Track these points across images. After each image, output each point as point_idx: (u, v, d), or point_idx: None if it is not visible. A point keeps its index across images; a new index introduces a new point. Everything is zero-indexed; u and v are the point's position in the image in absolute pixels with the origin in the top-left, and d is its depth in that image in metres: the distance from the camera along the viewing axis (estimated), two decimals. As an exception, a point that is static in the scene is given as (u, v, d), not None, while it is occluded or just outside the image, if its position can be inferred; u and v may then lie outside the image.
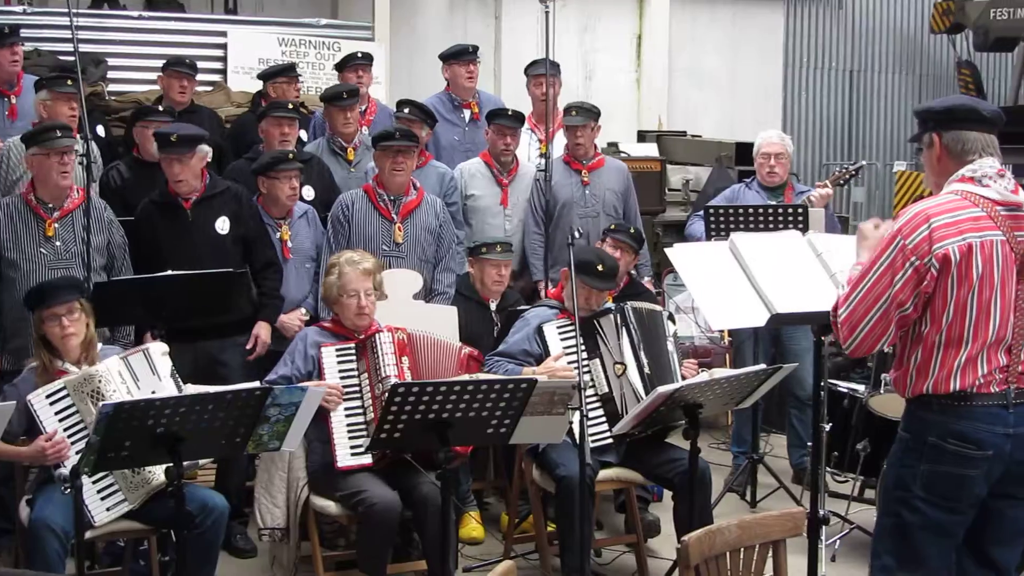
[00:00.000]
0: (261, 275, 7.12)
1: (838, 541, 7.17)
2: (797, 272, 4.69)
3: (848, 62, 16.07)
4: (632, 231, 7.67)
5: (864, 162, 9.72)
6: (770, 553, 4.07)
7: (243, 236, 7.06)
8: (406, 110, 8.22)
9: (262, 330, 7.09)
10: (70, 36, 7.06)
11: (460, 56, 9.14)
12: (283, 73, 9.18)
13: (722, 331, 9.76)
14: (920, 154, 4.55)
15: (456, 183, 8.30)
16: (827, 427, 7.06)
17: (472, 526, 7.29)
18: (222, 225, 6.99)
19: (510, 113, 8.39)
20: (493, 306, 7.50)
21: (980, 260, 4.20)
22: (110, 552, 6.46)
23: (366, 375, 6.16)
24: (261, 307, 7.11)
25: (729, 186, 10.07)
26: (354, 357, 6.21)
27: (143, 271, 6.82)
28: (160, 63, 9.19)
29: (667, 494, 7.31)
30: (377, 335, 6.21)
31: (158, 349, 5.88)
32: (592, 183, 8.36)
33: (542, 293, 7.94)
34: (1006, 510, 4.43)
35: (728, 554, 3.92)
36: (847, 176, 8.57)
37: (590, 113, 8.42)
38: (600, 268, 6.53)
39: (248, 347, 7.03)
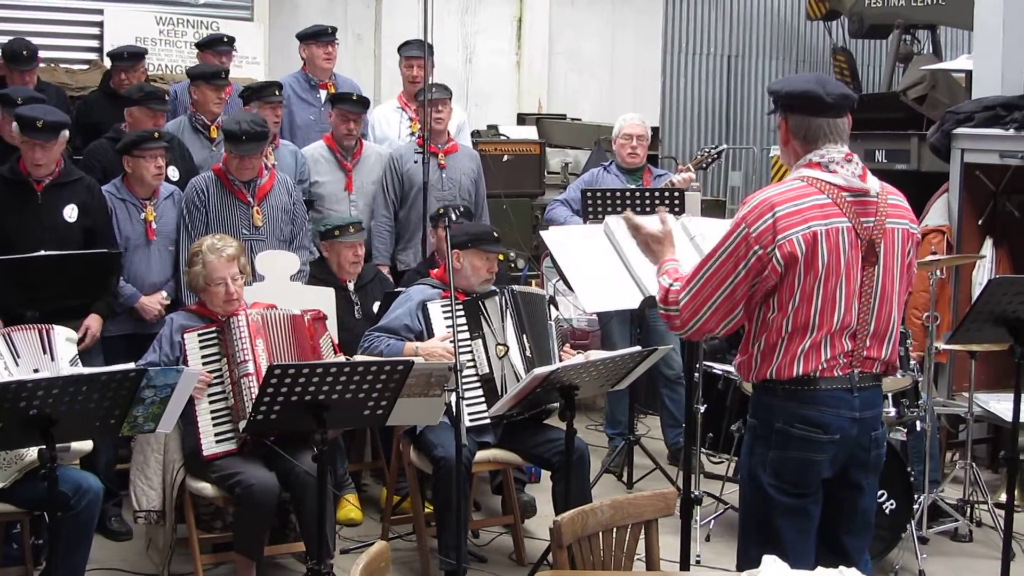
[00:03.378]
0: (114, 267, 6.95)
1: (712, 521, 7.29)
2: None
3: (726, 47, 16.24)
4: (462, 209, 7.65)
5: (725, 146, 9.80)
6: (642, 533, 4.13)
7: (89, 227, 6.92)
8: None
9: (93, 322, 6.89)
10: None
11: (319, 37, 9.12)
12: (132, 59, 8.95)
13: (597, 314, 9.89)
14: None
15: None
16: (702, 408, 7.21)
17: (349, 508, 7.29)
18: (70, 213, 6.84)
19: (355, 98, 8.37)
20: (351, 287, 7.49)
21: (825, 248, 4.21)
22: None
23: (225, 360, 6.12)
24: (93, 300, 6.92)
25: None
26: (216, 341, 6.15)
27: None
28: (33, 40, 8.95)
29: (544, 476, 7.42)
30: (231, 319, 6.15)
31: (63, 333, 5.84)
32: (448, 167, 8.38)
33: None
34: (856, 501, 4.48)
35: (600, 534, 3.97)
36: (709, 160, 8.68)
37: (446, 90, 8.45)
38: (496, 234, 6.68)
39: (78, 335, 6.73)
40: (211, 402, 6.06)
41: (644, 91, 15.22)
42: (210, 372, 6.08)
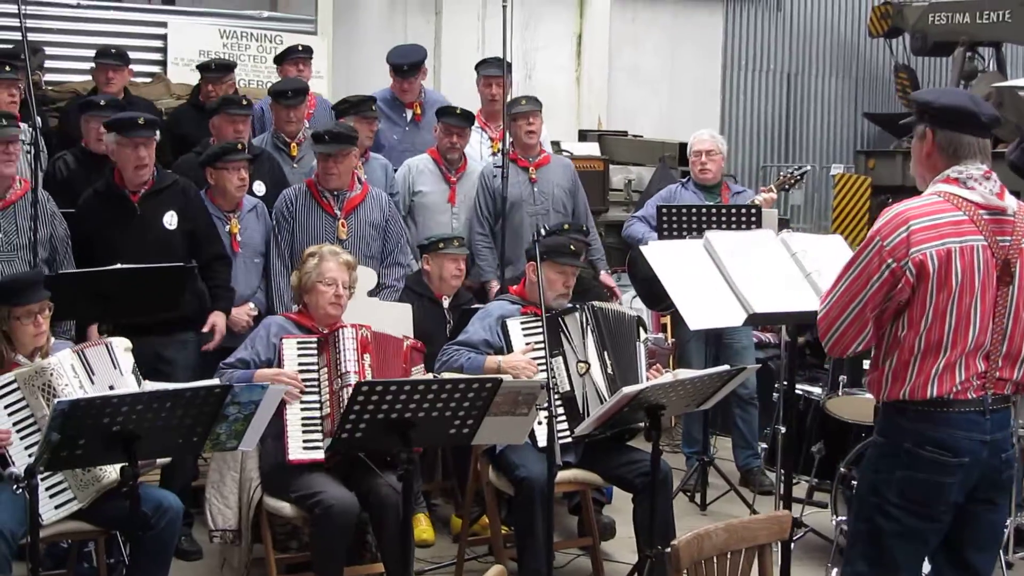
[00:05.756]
0: (212, 268, 6.93)
1: (792, 544, 7.12)
2: (773, 271, 4.63)
3: (786, 64, 16.12)
4: (567, 226, 7.50)
5: (809, 167, 9.69)
6: (756, 557, 4.00)
7: (191, 231, 6.88)
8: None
9: (219, 319, 6.92)
10: (8, 24, 6.88)
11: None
12: (220, 70, 8.97)
13: (665, 332, 9.75)
14: (909, 140, 4.49)
15: (404, 176, 8.23)
16: (783, 429, 7.07)
17: (423, 528, 7.17)
18: (170, 220, 6.80)
19: (459, 112, 8.27)
20: (446, 303, 7.41)
21: (960, 266, 4.13)
22: (52, 554, 6.25)
23: (325, 370, 6.02)
24: (214, 299, 6.93)
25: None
26: (315, 351, 6.07)
27: (86, 265, 6.59)
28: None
29: (616, 497, 7.28)
30: (340, 330, 6.07)
31: (121, 344, 5.70)
32: (540, 180, 8.27)
33: (491, 293, 7.86)
34: (983, 515, 4.37)
35: (715, 558, 3.84)
36: (792, 180, 8.56)
37: (537, 102, 8.35)
38: (572, 247, 6.52)
39: (205, 331, 6.85)
40: (303, 409, 5.95)
41: (703, 108, 15.16)
42: (304, 380, 5.99)
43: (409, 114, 9.02)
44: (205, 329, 6.83)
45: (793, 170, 8.69)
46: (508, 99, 8.46)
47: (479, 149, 8.86)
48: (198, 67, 9.26)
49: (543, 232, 6.22)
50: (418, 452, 6.32)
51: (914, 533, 4.28)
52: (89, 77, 9.39)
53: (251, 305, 7.25)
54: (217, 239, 7.03)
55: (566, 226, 7.53)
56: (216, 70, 8.90)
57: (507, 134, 7.92)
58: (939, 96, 4.36)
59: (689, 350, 8.27)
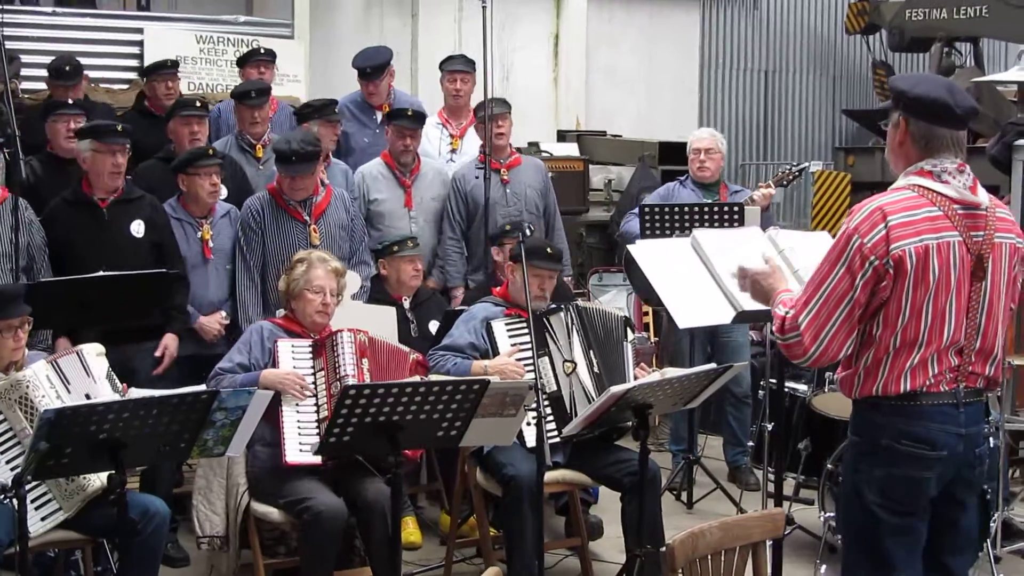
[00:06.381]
0: (170, 288, 6.79)
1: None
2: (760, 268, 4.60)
3: (763, 62, 16.13)
4: (531, 227, 7.45)
5: (807, 164, 9.70)
6: (750, 555, 3.99)
7: (158, 243, 6.85)
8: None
9: (171, 342, 6.84)
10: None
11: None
12: (156, 71, 8.85)
13: (648, 331, 9.75)
14: (886, 125, 4.40)
15: (359, 184, 8.15)
16: (769, 426, 7.07)
17: (410, 530, 7.13)
18: (137, 228, 6.77)
19: (410, 113, 8.19)
20: (407, 304, 7.37)
21: (937, 263, 4.06)
22: (39, 563, 6.15)
23: (323, 373, 6.00)
24: (169, 320, 6.85)
25: (654, 185, 10.06)
26: (310, 355, 6.06)
27: (56, 272, 6.58)
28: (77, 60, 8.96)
29: (603, 496, 7.26)
30: (338, 334, 6.05)
31: (92, 350, 5.64)
32: (512, 181, 8.21)
33: (455, 301, 7.87)
34: (959, 519, 4.32)
35: (710, 556, 3.83)
36: (791, 177, 8.57)
37: (505, 104, 8.31)
38: (548, 251, 6.49)
39: (158, 354, 6.77)
40: (300, 411, 5.93)
41: (682, 107, 15.17)
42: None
43: (379, 116, 8.93)
44: (158, 353, 6.73)
45: (792, 166, 8.70)
46: (472, 97, 8.44)
47: (438, 145, 8.83)
48: (144, 70, 9.17)
49: (529, 232, 6.19)
50: (415, 457, 6.37)
51: (903, 529, 4.21)
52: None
53: (223, 313, 7.19)
54: (179, 259, 6.96)
55: (508, 227, 7.47)
56: (156, 69, 8.84)
57: (463, 131, 7.86)
58: (915, 84, 4.22)
59: (682, 347, 8.25)
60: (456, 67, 8.88)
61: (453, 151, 8.73)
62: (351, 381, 5.82)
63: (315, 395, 6.00)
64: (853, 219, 4.12)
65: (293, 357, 6.05)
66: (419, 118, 8.22)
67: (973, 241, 4.13)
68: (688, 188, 8.46)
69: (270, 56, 9.18)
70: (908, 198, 4.12)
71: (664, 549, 3.67)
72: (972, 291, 4.15)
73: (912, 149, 4.20)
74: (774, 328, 4.27)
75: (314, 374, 6.03)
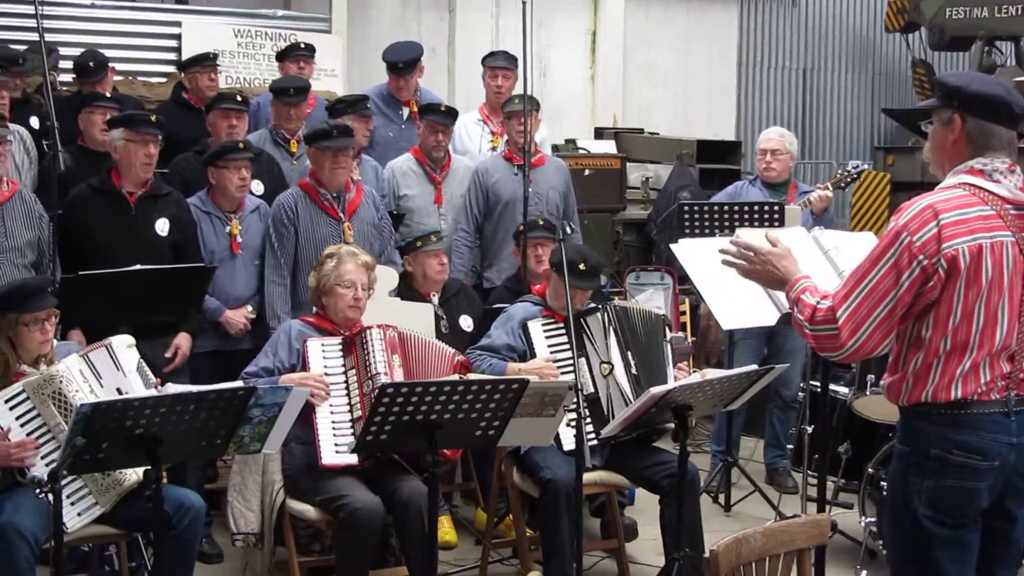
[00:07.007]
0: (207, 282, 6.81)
1: (822, 547, 7.05)
2: (805, 269, 4.49)
3: (802, 60, 15.97)
4: (541, 222, 7.44)
5: (865, 165, 9.57)
6: (795, 562, 3.92)
7: (179, 242, 6.81)
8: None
9: (184, 341, 6.77)
10: (19, 24, 6.81)
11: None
12: (198, 63, 8.91)
13: (685, 331, 9.67)
14: (928, 124, 4.23)
15: (388, 180, 8.14)
16: (809, 429, 7.00)
17: (445, 530, 7.09)
18: (162, 226, 6.74)
19: (443, 109, 8.17)
20: (435, 300, 7.32)
21: (990, 263, 3.96)
22: (73, 557, 6.17)
23: (354, 371, 5.93)
24: (183, 318, 6.78)
25: (691, 183, 10.01)
26: (340, 353, 5.99)
27: (70, 261, 6.53)
28: (111, 53, 8.99)
29: (641, 498, 7.20)
30: (367, 331, 5.98)
31: (122, 342, 5.59)
32: (535, 181, 8.05)
33: None
34: (1010, 532, 4.22)
35: (754, 564, 3.76)
36: (848, 179, 8.50)
37: (533, 101, 8.15)
38: (582, 267, 6.31)
39: (168, 355, 6.69)
40: (333, 412, 5.86)
41: (719, 105, 15.06)
42: (331, 384, 5.90)
43: (405, 112, 8.91)
44: (168, 354, 6.66)
45: (850, 169, 8.61)
46: (513, 93, 8.38)
47: (479, 143, 8.77)
48: (184, 63, 9.18)
49: (570, 231, 6.11)
50: (454, 457, 6.31)
51: (955, 541, 4.10)
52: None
53: (249, 308, 7.14)
54: (199, 259, 6.91)
55: (520, 227, 7.47)
56: (195, 63, 8.91)
57: (525, 132, 7.77)
58: (971, 81, 4.12)
59: (737, 349, 8.16)
60: (499, 63, 8.84)
61: (494, 148, 8.67)
62: (383, 379, 5.75)
63: (347, 394, 5.92)
64: (902, 216, 4.02)
65: (324, 356, 5.97)
66: (452, 114, 8.21)
67: None
68: (757, 187, 8.41)
69: (310, 51, 9.16)
70: (960, 196, 4.03)
71: (708, 555, 3.59)
72: None
73: (966, 148, 4.10)
74: (802, 318, 4.15)
75: (345, 372, 5.96)
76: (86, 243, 6.62)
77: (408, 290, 7.29)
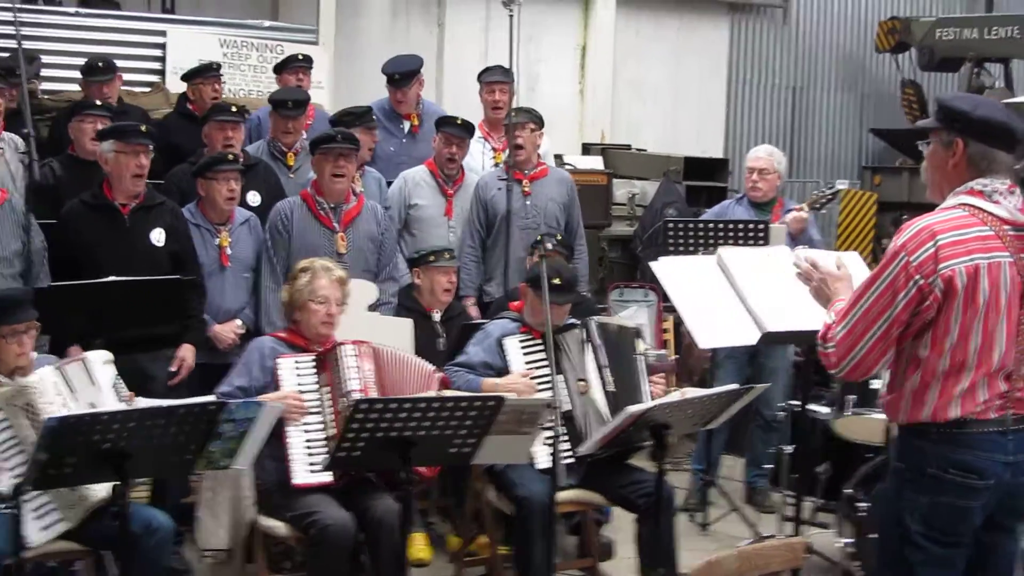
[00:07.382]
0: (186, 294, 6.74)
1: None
2: (787, 289, 4.47)
3: (791, 79, 15.98)
4: (559, 238, 7.41)
5: (841, 188, 9.54)
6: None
7: (176, 252, 6.76)
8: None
9: (188, 353, 6.75)
10: (3, 31, 6.77)
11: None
12: (201, 74, 8.90)
13: (666, 349, 9.61)
14: (926, 145, 4.26)
15: (400, 189, 8.08)
16: (789, 449, 6.95)
17: (420, 547, 7.00)
18: (158, 237, 6.69)
19: (459, 122, 8.13)
20: (437, 316, 7.27)
21: (987, 283, 4.01)
22: (39, 574, 6.09)
23: (327, 388, 5.85)
24: (185, 329, 6.74)
25: (678, 200, 9.97)
26: (314, 370, 5.90)
27: (65, 276, 6.43)
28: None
29: (616, 516, 7.14)
30: (340, 347, 5.91)
31: (99, 357, 5.54)
32: (534, 194, 8.06)
33: (468, 309, 7.78)
34: (1001, 544, 4.26)
35: (726, 587, 3.72)
36: (824, 200, 8.44)
37: (531, 115, 8.15)
38: (557, 281, 6.20)
39: (173, 369, 6.68)
40: (306, 431, 5.77)
41: (708, 121, 15.06)
42: (305, 402, 5.82)
43: (407, 125, 8.88)
44: (173, 367, 6.64)
45: (825, 189, 8.57)
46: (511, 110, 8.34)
47: (481, 160, 8.71)
48: (188, 73, 9.14)
49: (554, 241, 6.05)
50: (431, 475, 6.25)
51: (942, 560, 4.14)
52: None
53: (238, 322, 7.11)
54: (197, 268, 6.88)
55: (540, 237, 7.33)
56: (199, 73, 8.86)
57: (509, 145, 7.75)
58: (976, 106, 4.16)
59: (720, 368, 8.13)
60: (494, 78, 8.76)
61: (496, 165, 8.59)
62: (356, 396, 5.68)
63: (321, 412, 5.85)
64: (901, 236, 4.07)
65: (297, 374, 5.88)
66: (468, 127, 8.16)
67: (1023, 263, 4.07)
68: (743, 206, 8.37)
69: (308, 63, 9.14)
70: (959, 217, 4.07)
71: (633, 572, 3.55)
72: (1022, 315, 4.10)
73: (966, 171, 4.14)
74: (818, 337, 4.25)
75: (319, 390, 5.88)
76: (82, 258, 6.56)
77: (412, 303, 7.27)
